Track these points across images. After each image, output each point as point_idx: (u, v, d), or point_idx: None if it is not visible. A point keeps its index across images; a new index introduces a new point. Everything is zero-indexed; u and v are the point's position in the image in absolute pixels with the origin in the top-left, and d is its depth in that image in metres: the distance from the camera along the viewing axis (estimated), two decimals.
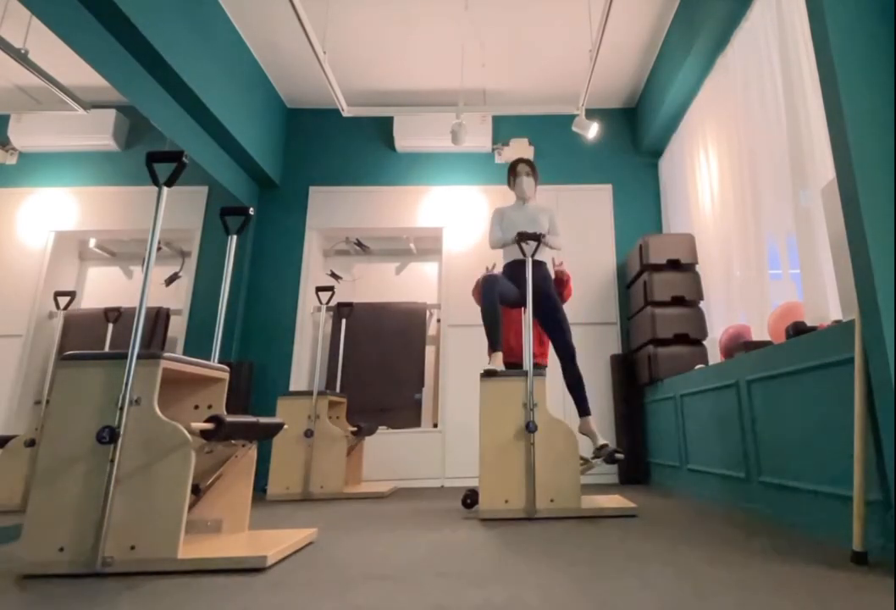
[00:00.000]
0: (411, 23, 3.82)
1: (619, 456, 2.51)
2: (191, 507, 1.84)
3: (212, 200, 3.77)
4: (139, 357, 1.63)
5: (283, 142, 4.71)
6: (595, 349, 4.20)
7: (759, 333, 2.81)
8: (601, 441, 2.69)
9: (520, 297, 2.88)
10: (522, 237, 2.74)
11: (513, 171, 3.11)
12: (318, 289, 3.90)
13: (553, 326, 2.86)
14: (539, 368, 2.89)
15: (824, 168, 2.29)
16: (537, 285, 2.87)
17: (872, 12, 1.70)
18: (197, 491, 1.84)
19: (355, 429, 3.51)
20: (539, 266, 2.93)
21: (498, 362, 2.61)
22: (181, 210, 3.53)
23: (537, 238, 2.75)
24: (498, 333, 2.67)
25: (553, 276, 3.13)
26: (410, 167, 4.67)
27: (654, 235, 3.78)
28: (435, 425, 4.29)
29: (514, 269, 2.94)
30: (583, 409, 2.79)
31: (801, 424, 1.95)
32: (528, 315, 2.65)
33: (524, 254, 2.73)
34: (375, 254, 4.90)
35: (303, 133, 4.77)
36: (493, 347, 2.66)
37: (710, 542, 1.80)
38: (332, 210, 4.58)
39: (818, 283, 2.28)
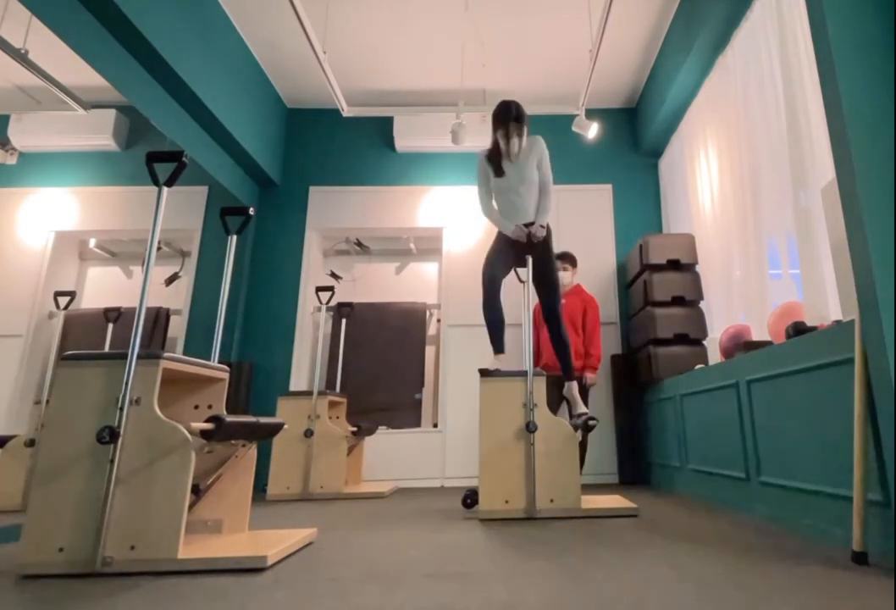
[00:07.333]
0: (411, 23, 3.82)
1: (593, 422, 2.49)
2: (191, 507, 1.84)
3: (212, 200, 3.77)
4: (139, 357, 1.63)
5: (283, 142, 4.71)
6: None
7: (759, 333, 2.80)
8: (581, 409, 2.66)
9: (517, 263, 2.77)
10: (519, 248, 2.67)
11: (498, 124, 2.65)
12: (318, 289, 3.90)
13: (545, 288, 2.77)
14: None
15: (824, 168, 2.29)
16: (534, 247, 2.73)
17: (872, 12, 1.70)
18: (197, 491, 1.84)
19: (355, 429, 3.51)
20: (533, 225, 2.73)
21: (499, 365, 2.61)
22: (181, 210, 3.53)
23: (531, 242, 2.67)
24: (501, 337, 2.67)
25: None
26: (410, 167, 4.67)
27: (654, 235, 3.78)
28: (435, 425, 4.29)
29: (510, 237, 2.75)
30: (567, 373, 2.80)
31: (801, 424, 1.95)
32: (527, 317, 2.66)
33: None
34: (375, 254, 4.90)
35: (303, 133, 4.77)
36: (496, 350, 2.67)
37: (710, 542, 1.80)
38: (332, 210, 4.58)
39: (818, 284, 2.28)
